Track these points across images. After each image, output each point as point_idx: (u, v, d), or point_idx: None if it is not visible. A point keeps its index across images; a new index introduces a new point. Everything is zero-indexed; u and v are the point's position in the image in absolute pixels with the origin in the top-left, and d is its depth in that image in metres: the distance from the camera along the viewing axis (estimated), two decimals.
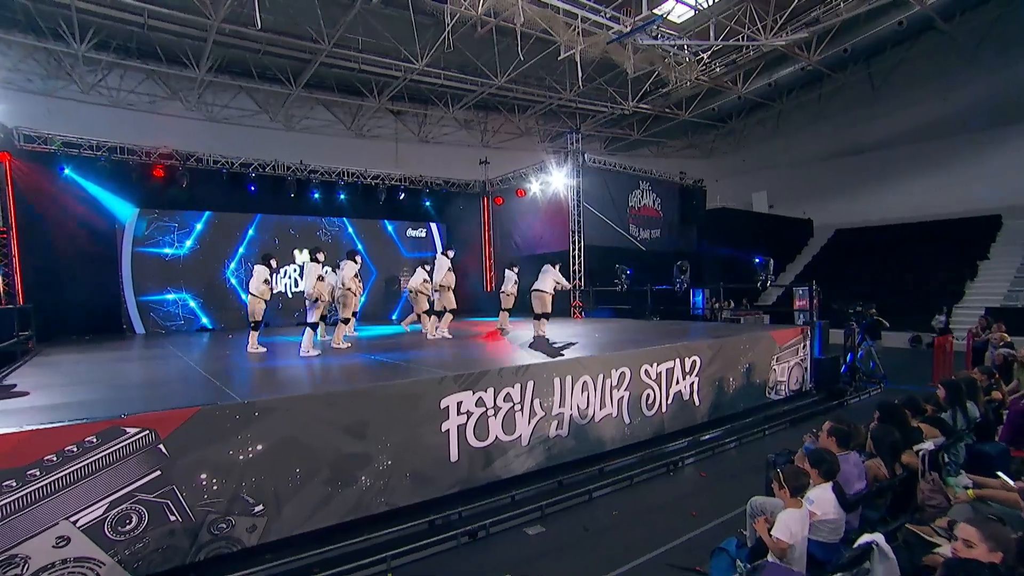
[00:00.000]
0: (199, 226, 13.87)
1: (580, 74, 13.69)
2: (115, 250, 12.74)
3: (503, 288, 10.04)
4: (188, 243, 13.70)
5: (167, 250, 13.43)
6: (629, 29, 12.31)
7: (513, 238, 16.85)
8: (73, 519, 3.53)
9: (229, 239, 14.24)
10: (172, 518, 3.83)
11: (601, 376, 6.39)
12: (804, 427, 8.00)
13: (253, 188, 14.09)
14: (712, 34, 14.21)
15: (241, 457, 4.11)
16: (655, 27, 12.37)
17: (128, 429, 3.73)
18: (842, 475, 3.44)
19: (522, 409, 5.64)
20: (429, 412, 5.03)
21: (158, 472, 3.80)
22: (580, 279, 14.39)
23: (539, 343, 8.26)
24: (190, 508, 3.90)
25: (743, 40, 14.57)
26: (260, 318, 7.96)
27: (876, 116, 21.21)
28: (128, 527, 3.69)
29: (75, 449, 3.56)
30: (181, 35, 13.86)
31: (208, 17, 12.42)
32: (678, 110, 20.93)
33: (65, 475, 3.53)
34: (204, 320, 13.86)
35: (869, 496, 3.65)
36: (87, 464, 3.59)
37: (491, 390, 5.40)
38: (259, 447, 4.18)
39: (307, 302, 7.45)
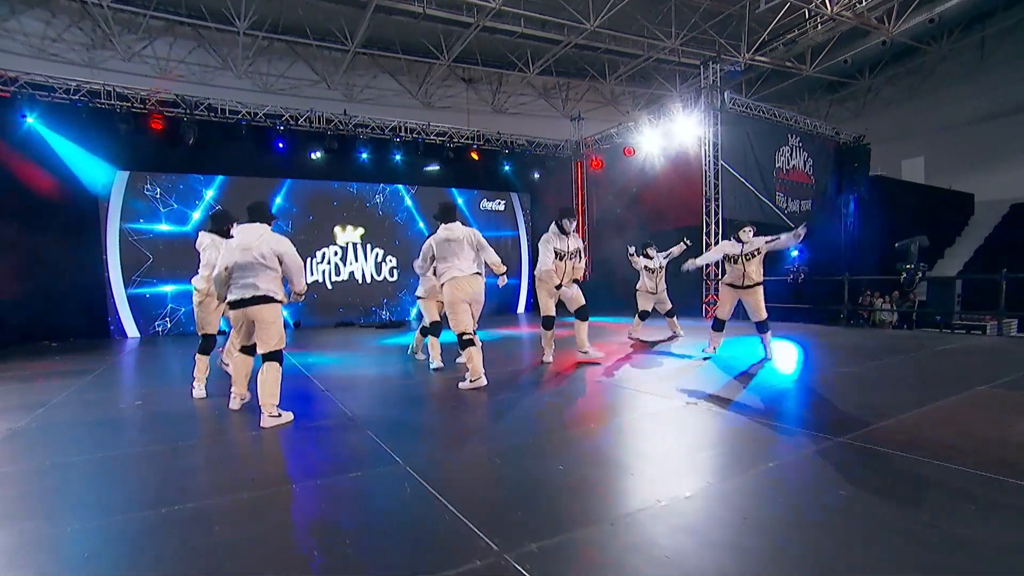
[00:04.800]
0: (209, 195, 10.50)
1: None
2: (97, 227, 9.52)
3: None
4: (195, 218, 10.32)
5: (166, 227, 10.11)
6: None
7: (617, 211, 12.59)
8: None
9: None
10: None
11: None
12: None
13: (282, 146, 10.57)
14: None
15: None
16: None
17: None
18: None
19: None
20: None
21: None
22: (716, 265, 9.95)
23: None
24: None
25: None
26: (212, 329, 4.28)
27: None
28: None
29: None
30: None
31: None
32: (801, 64, 16.19)
33: None
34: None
35: None
36: None
37: None
38: None
39: None
